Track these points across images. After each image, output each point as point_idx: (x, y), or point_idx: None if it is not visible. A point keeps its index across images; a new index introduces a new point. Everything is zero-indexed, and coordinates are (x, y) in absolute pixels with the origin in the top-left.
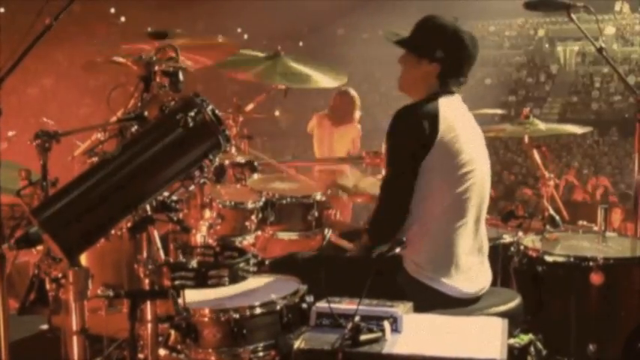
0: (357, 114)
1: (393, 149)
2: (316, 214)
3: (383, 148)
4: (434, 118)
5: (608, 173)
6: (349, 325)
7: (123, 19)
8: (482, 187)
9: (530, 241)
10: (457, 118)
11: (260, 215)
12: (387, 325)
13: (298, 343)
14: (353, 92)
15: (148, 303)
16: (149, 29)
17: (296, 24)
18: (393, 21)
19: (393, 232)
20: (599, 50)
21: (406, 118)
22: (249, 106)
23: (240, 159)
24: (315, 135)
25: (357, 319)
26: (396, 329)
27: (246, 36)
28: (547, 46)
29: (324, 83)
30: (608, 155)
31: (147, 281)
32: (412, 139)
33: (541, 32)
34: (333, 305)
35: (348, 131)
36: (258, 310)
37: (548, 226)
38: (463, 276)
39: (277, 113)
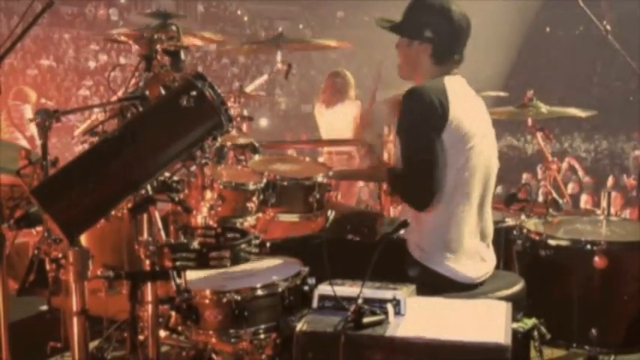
0: (352, 92)
1: (412, 125)
2: (318, 195)
3: (385, 131)
4: (443, 94)
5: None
6: (352, 308)
7: (122, 0)
8: (488, 170)
9: (533, 225)
10: (463, 97)
11: (261, 197)
12: (390, 307)
13: (300, 326)
14: (346, 72)
15: (149, 284)
16: (149, 10)
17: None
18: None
19: (427, 201)
20: (605, 33)
21: (418, 96)
22: (250, 87)
23: (242, 140)
24: (319, 125)
25: (359, 301)
26: (399, 312)
27: (246, 18)
28: (548, 29)
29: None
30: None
31: (147, 262)
32: (429, 112)
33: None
34: (335, 288)
35: (346, 110)
36: (259, 292)
37: (551, 210)
38: (468, 260)
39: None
